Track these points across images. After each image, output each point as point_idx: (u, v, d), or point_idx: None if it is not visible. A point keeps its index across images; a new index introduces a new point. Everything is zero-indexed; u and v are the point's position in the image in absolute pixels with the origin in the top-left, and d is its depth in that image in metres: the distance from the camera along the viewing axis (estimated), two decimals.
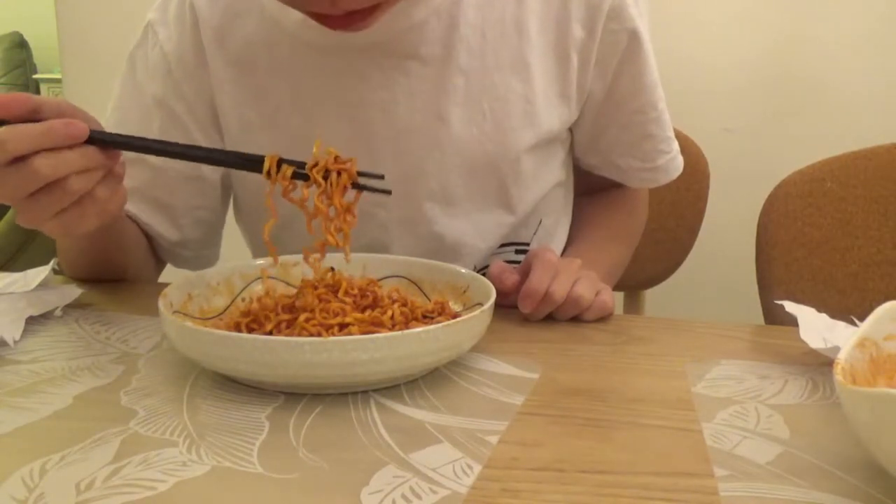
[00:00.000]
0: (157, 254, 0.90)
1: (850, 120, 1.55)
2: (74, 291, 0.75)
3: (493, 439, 0.50)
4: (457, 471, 0.46)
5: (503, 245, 0.88)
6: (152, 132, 0.82)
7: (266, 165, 0.63)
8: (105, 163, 0.62)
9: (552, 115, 0.82)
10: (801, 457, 0.49)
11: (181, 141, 0.80)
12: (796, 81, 1.57)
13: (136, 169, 0.79)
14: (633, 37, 0.80)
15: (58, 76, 2.99)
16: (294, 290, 0.71)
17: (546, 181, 0.87)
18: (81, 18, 1.75)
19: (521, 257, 0.87)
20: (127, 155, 0.69)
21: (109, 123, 0.83)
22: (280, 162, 0.63)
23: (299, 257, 0.73)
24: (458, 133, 0.79)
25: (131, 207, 0.83)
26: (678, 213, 1.21)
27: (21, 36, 3.95)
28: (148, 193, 0.83)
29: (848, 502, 0.44)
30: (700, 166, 1.20)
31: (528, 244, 0.89)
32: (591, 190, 0.97)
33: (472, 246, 0.84)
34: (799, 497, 0.44)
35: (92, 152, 0.61)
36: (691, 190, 1.20)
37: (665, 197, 1.19)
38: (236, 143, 0.82)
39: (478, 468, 0.46)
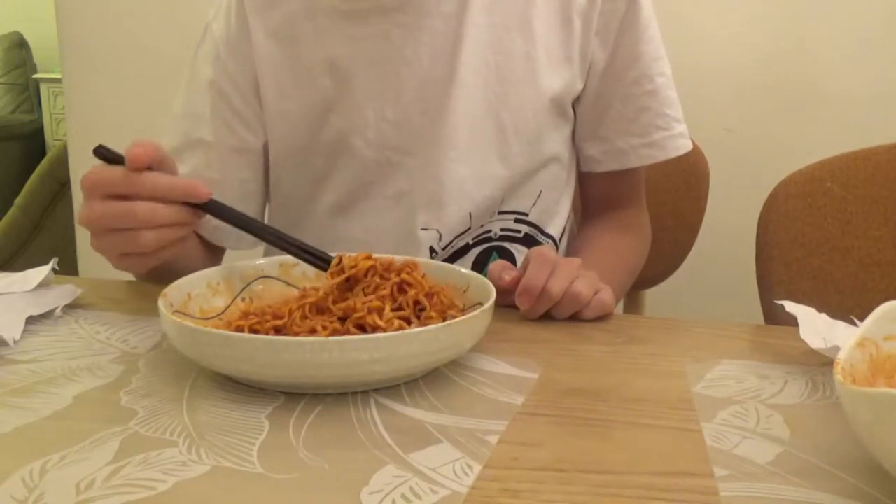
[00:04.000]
0: (208, 239, 0.92)
1: (850, 120, 1.55)
2: (74, 291, 0.75)
3: (493, 439, 0.50)
4: (457, 471, 0.46)
5: (502, 212, 0.90)
6: (206, 114, 0.89)
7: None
8: (192, 221, 0.67)
9: (554, 75, 0.87)
10: (801, 457, 0.49)
11: (229, 116, 0.88)
12: (796, 82, 1.57)
13: (191, 153, 0.88)
14: (631, 5, 0.87)
15: (58, 76, 2.99)
16: (294, 291, 0.71)
17: (545, 148, 0.90)
18: (81, 18, 1.75)
19: (520, 227, 0.91)
20: (186, 140, 0.86)
21: (178, 121, 0.90)
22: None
23: None
24: (466, 81, 0.86)
25: None
26: (678, 213, 1.20)
27: (21, 36, 3.96)
28: (201, 175, 0.87)
29: (848, 502, 0.44)
30: (700, 166, 1.20)
31: (527, 214, 0.92)
32: (592, 209, 0.99)
33: (469, 190, 0.88)
34: (799, 497, 0.44)
35: (185, 211, 0.66)
36: (691, 190, 1.20)
37: (665, 197, 1.19)
38: (273, 110, 0.89)
39: (478, 468, 0.46)
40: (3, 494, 0.43)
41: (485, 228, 0.90)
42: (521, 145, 0.88)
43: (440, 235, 0.88)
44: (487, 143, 0.87)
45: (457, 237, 0.89)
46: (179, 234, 0.67)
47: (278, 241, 0.70)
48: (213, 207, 0.67)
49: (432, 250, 0.88)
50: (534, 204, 0.91)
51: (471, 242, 0.90)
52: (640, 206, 1.00)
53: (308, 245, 0.70)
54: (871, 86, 1.55)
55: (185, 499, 0.43)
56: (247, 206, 0.92)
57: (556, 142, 0.91)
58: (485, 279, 0.66)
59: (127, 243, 0.65)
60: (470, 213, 0.88)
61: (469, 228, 0.89)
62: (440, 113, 0.86)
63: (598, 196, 0.98)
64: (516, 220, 0.91)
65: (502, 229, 0.91)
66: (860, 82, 1.55)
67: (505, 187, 0.89)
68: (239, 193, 0.90)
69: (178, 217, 0.66)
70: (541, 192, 0.91)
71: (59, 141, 3.56)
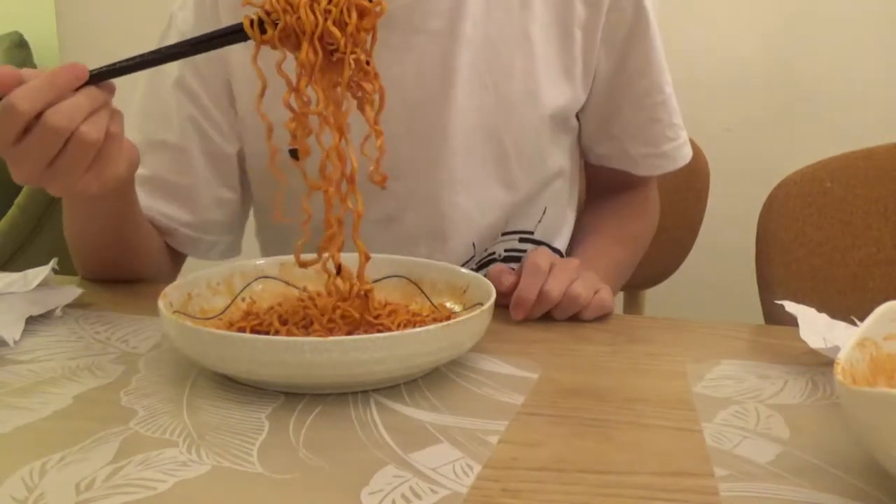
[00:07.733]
0: (177, 248, 0.88)
1: (850, 120, 1.55)
2: (74, 291, 0.75)
3: (493, 439, 0.50)
4: (457, 471, 0.46)
5: (506, 233, 0.88)
6: (171, 115, 0.84)
7: (245, 24, 0.60)
8: (107, 99, 0.60)
9: (555, 92, 0.84)
10: (801, 457, 0.49)
11: (198, 116, 0.84)
12: (797, 81, 1.57)
13: (154, 156, 0.83)
14: (639, 13, 0.83)
15: None
16: (295, 291, 0.71)
17: (549, 165, 0.88)
18: (81, 18, 1.75)
19: (525, 246, 0.88)
20: (147, 141, 0.81)
21: (136, 120, 0.86)
22: (261, 22, 0.61)
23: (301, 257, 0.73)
24: (462, 105, 0.81)
25: (145, 199, 0.83)
26: (678, 213, 1.20)
27: (21, 36, 3.95)
28: (168, 179, 0.84)
29: (848, 502, 0.44)
30: (700, 166, 1.20)
31: (532, 233, 0.89)
32: (600, 190, 0.97)
33: (472, 220, 0.85)
34: (799, 497, 0.44)
35: (94, 92, 0.59)
36: (691, 190, 1.20)
37: (665, 197, 1.19)
38: (248, 121, 0.84)
39: (478, 468, 0.46)
40: (3, 494, 0.43)
41: (489, 252, 0.88)
42: (524, 168, 0.85)
43: None
44: (488, 170, 0.84)
45: (462, 265, 0.86)
46: (107, 117, 0.60)
47: (174, 53, 0.63)
48: (103, 73, 0.60)
49: None
50: (539, 222, 0.89)
51: (474, 267, 0.87)
52: (650, 184, 0.98)
53: (203, 35, 0.63)
54: (871, 86, 1.55)
55: (185, 499, 0.43)
56: (224, 214, 0.88)
57: (559, 156, 0.88)
58: (485, 279, 0.66)
59: (74, 156, 0.58)
60: (474, 243, 0.86)
61: (473, 256, 0.87)
62: (432, 138, 0.81)
63: (606, 182, 0.96)
64: (521, 240, 0.89)
65: (506, 250, 0.89)
66: (860, 82, 1.55)
67: (508, 211, 0.86)
68: (213, 199, 0.86)
69: (93, 98, 0.59)
70: (545, 209, 0.89)
71: None
